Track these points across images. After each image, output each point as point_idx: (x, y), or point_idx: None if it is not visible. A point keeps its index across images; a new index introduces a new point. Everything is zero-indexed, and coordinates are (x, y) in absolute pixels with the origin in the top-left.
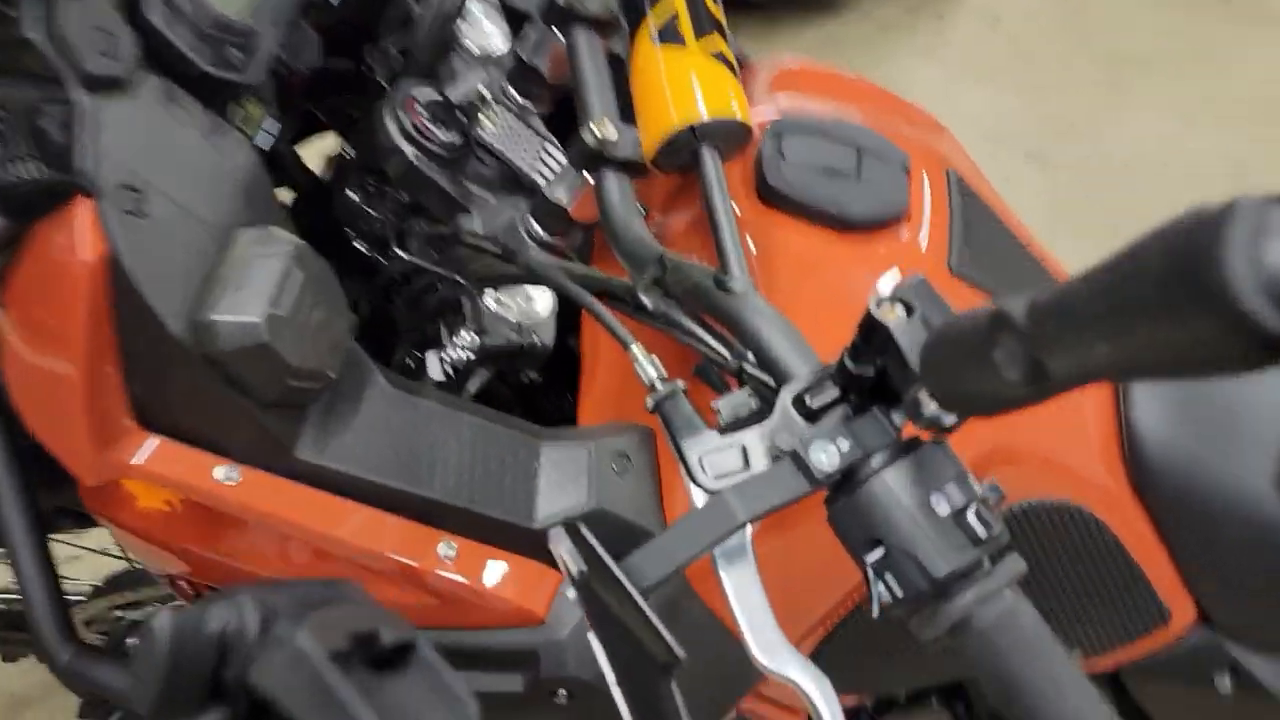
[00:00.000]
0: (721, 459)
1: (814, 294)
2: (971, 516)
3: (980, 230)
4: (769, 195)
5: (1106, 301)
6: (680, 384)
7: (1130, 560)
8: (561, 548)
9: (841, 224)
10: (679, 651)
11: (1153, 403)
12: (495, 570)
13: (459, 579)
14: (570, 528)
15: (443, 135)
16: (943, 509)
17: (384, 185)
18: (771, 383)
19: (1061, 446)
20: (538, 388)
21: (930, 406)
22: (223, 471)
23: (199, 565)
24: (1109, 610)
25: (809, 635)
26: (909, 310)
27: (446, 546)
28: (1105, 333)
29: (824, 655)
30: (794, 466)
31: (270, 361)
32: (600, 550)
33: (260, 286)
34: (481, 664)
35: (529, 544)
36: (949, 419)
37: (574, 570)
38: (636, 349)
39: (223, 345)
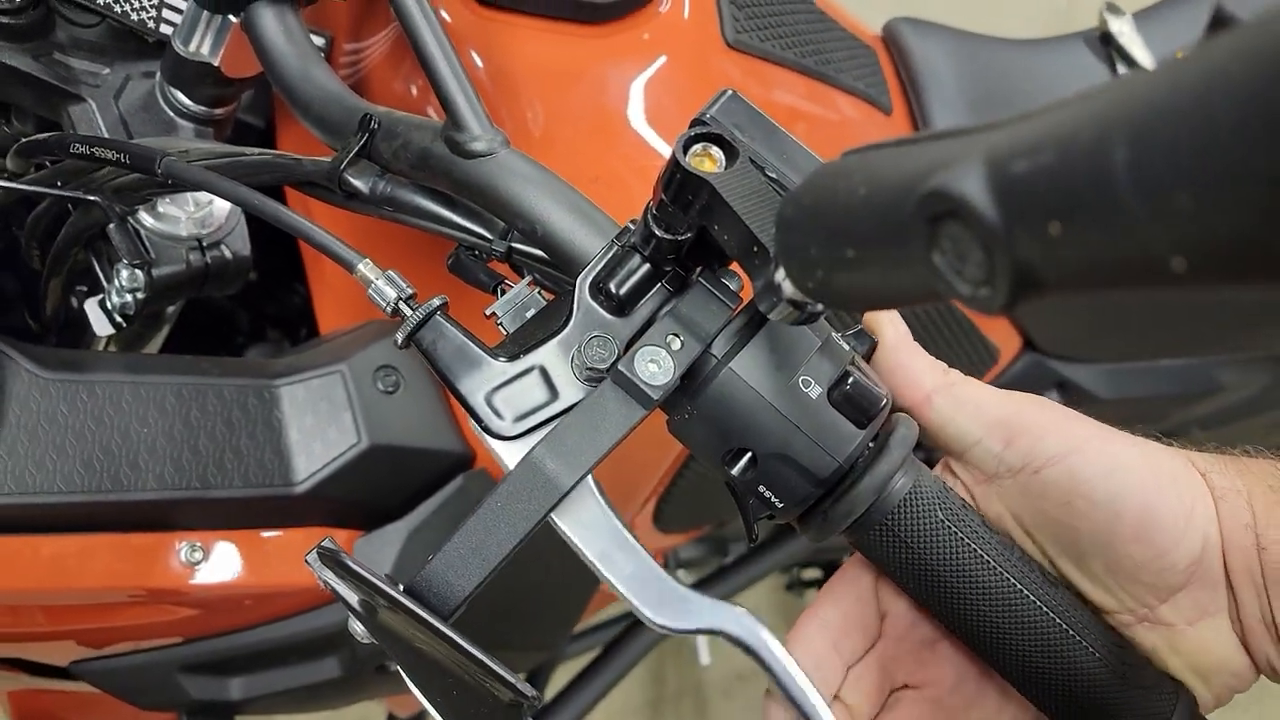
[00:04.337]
0: (518, 392)
1: (567, 118)
2: (851, 389)
3: None
4: None
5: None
6: (436, 301)
7: (958, 311)
8: (325, 575)
9: (587, 12)
10: (526, 689)
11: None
12: (266, 555)
13: (216, 582)
14: (326, 555)
15: None
16: (814, 390)
17: None
18: (547, 260)
19: None
20: (252, 289)
21: (792, 291)
22: None
23: None
24: (955, 348)
25: (647, 501)
26: (729, 153)
27: (190, 550)
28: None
29: (663, 510)
30: (617, 388)
31: None
32: (376, 579)
33: None
34: (286, 659)
35: (300, 509)
36: (818, 306)
37: (353, 602)
38: (365, 269)
39: None
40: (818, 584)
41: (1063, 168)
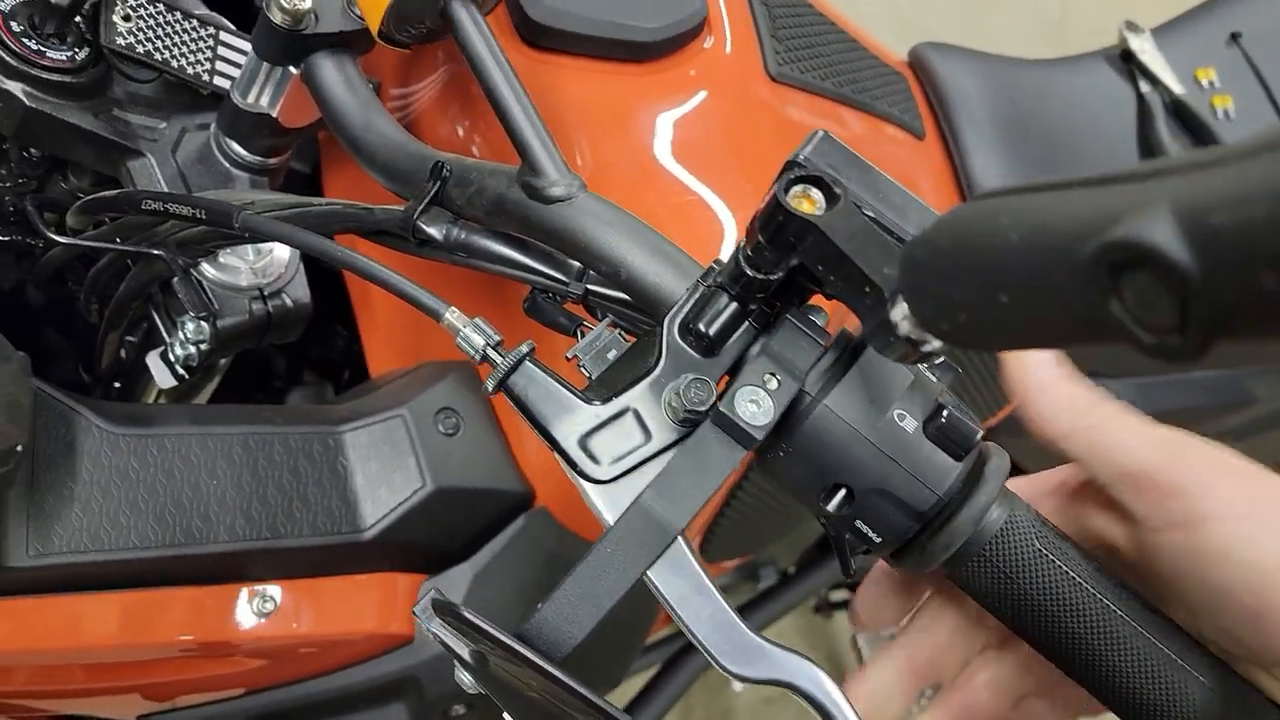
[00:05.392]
0: (611, 437)
1: (618, 157)
2: (947, 422)
3: (782, 14)
4: (534, 34)
5: None
6: (525, 348)
7: None
8: (433, 627)
9: (634, 51)
10: None
11: (988, 158)
12: (334, 602)
13: (286, 632)
14: (440, 606)
15: (59, 54)
16: (909, 423)
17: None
18: (632, 301)
19: None
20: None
21: (909, 329)
22: None
23: None
24: (972, 390)
25: (699, 530)
26: (829, 194)
27: (260, 600)
28: None
29: (709, 541)
30: (718, 429)
31: None
32: (491, 628)
33: None
34: (353, 707)
35: (367, 556)
36: (935, 343)
37: (464, 654)
38: (452, 317)
39: None
40: (845, 605)
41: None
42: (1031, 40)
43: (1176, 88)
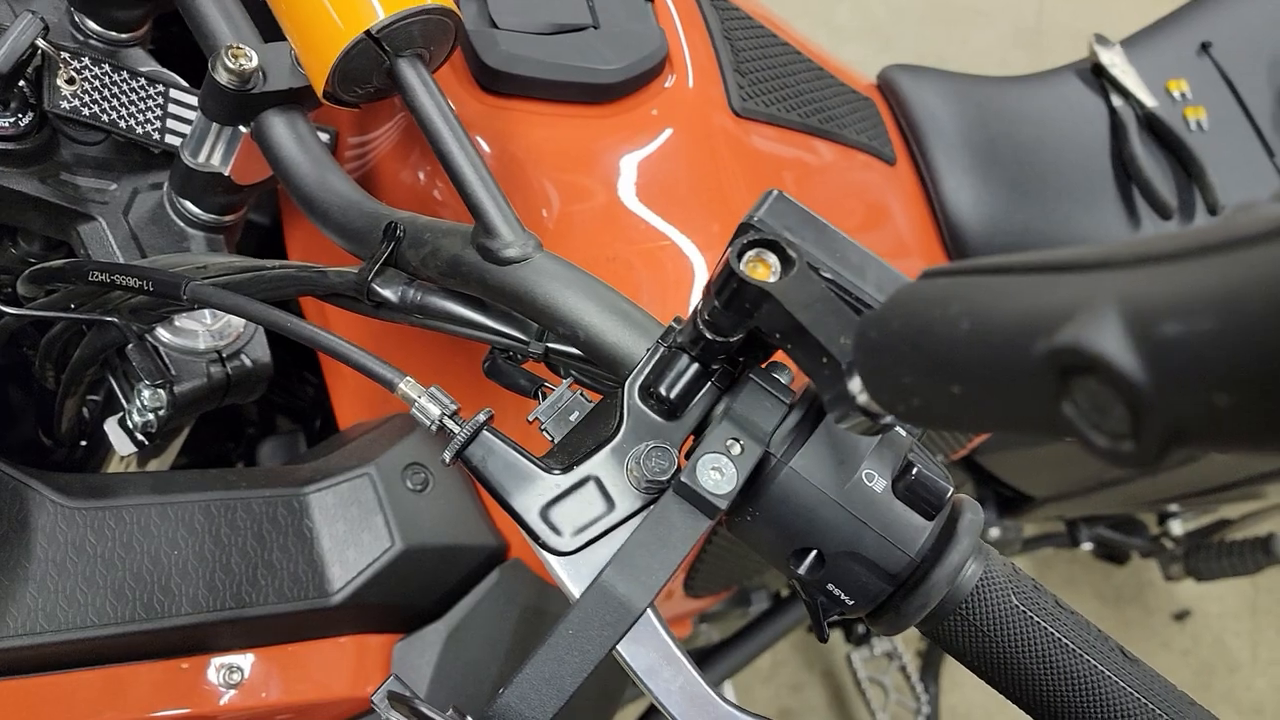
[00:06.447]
0: (573, 506)
1: (581, 202)
2: (916, 480)
3: (746, 46)
4: (491, 81)
5: None
6: (482, 416)
7: None
8: (392, 717)
9: (594, 93)
10: None
11: (960, 181)
12: (304, 669)
13: (255, 703)
14: (395, 699)
15: (1, 121)
16: (878, 483)
17: None
18: (586, 358)
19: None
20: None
21: (868, 403)
22: None
23: None
24: None
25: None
26: (785, 259)
27: (228, 671)
28: None
29: (693, 576)
30: (680, 499)
31: None
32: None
33: None
34: None
35: (337, 619)
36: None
37: None
38: (407, 387)
39: None
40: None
41: (1230, 338)
42: (1009, 48)
43: (1149, 101)
